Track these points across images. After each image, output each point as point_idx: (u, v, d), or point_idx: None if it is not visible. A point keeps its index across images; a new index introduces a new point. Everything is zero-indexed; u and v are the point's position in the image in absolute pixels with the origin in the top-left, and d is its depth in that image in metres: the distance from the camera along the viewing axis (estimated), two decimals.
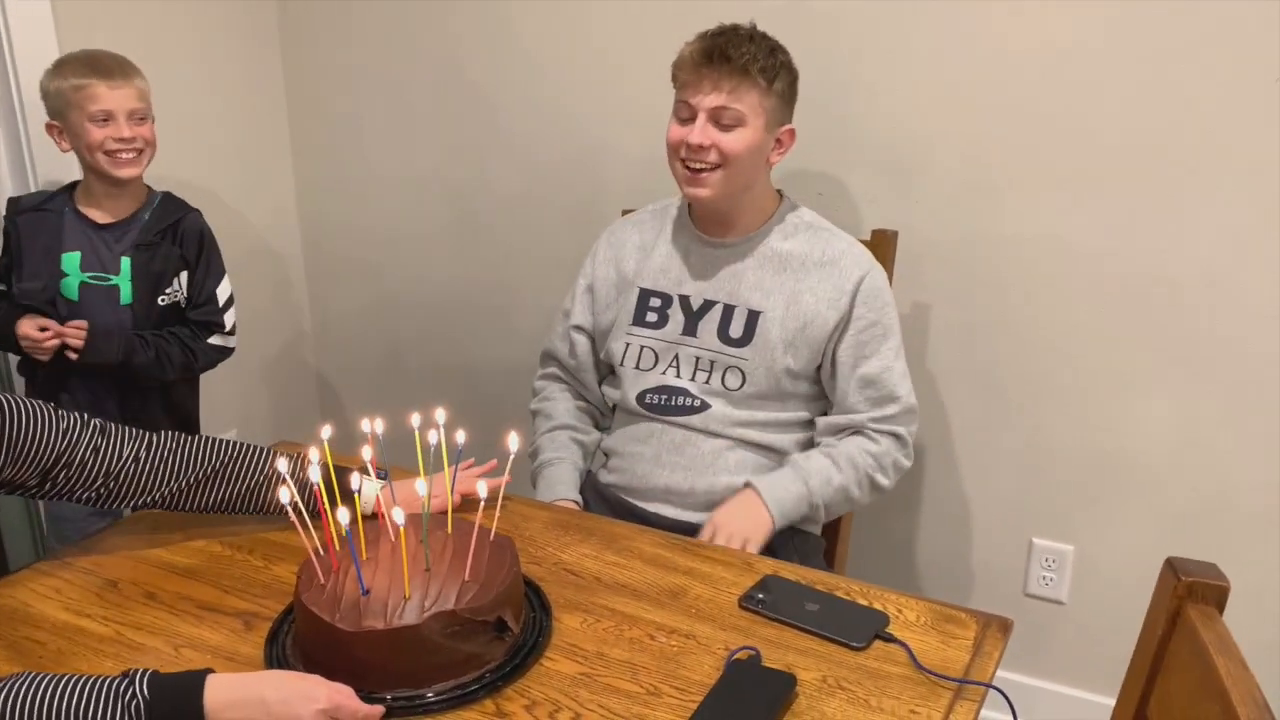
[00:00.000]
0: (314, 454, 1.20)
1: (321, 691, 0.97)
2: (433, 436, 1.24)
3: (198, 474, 1.30)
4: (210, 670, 0.97)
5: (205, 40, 2.31)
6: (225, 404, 2.53)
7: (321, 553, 1.12)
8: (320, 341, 2.74)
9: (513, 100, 2.24)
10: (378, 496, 1.32)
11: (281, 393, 2.68)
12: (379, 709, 1.02)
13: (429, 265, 2.49)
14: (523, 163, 2.28)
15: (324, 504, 1.13)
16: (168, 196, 1.86)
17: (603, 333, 1.72)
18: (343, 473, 1.23)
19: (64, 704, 0.92)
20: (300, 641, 1.13)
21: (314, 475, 1.16)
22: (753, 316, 1.59)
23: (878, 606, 1.21)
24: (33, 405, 1.19)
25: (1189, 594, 0.93)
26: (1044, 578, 2.00)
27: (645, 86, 2.05)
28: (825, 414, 1.64)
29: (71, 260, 1.76)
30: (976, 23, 1.78)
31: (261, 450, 1.36)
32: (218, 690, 0.95)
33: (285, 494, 1.14)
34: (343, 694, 0.99)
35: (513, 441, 1.24)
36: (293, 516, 1.13)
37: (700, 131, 1.51)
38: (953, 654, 1.13)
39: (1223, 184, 1.69)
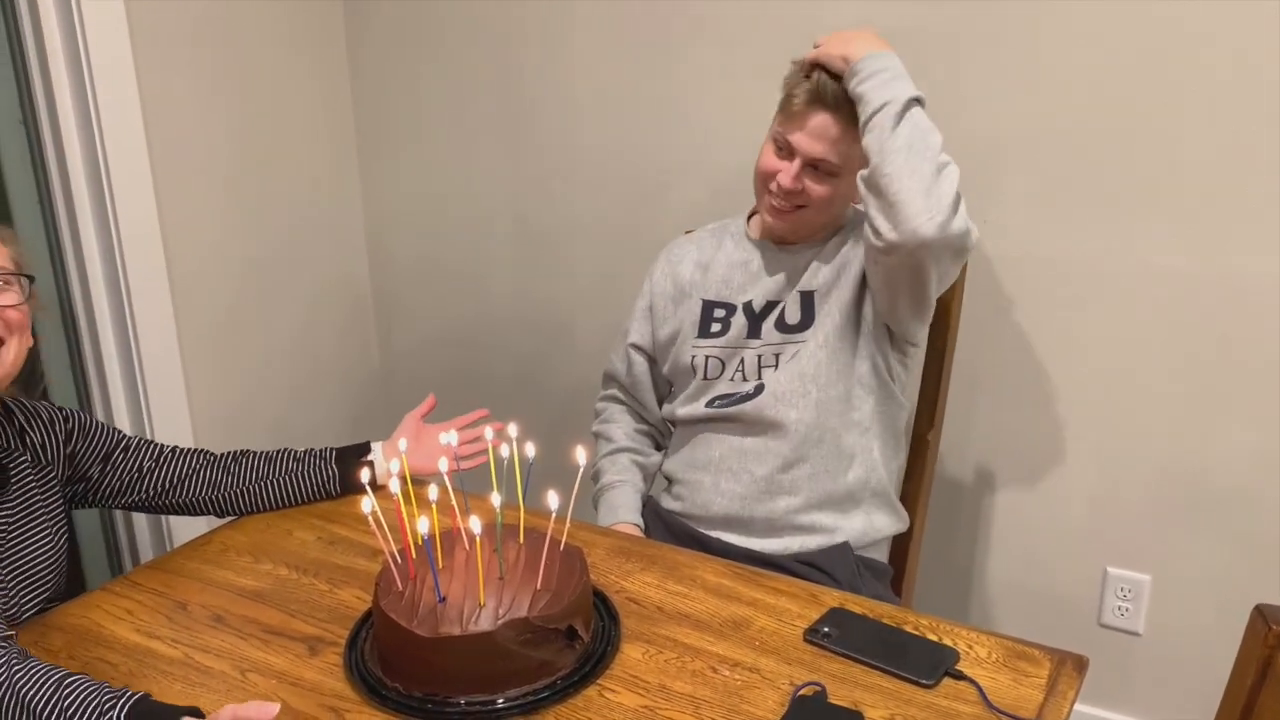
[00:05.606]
0: (394, 465, 1.36)
1: None
2: (504, 450, 1.28)
3: (226, 462, 1.52)
4: (194, 711, 1.01)
5: (280, 77, 2.35)
6: (296, 431, 2.56)
7: (399, 560, 1.15)
8: (388, 366, 2.77)
9: (579, 124, 2.24)
10: (386, 469, 1.51)
11: (350, 418, 2.70)
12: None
13: (495, 287, 2.50)
14: (589, 185, 2.28)
15: (402, 514, 1.19)
16: None
17: (662, 347, 1.71)
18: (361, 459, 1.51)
19: (60, 694, 1.02)
20: (378, 646, 1.16)
21: (393, 487, 1.22)
22: (806, 297, 1.57)
23: (948, 642, 1.18)
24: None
25: None
26: (1119, 608, 1.94)
27: (711, 113, 2.05)
28: (888, 410, 1.59)
29: None
30: (1048, 40, 1.75)
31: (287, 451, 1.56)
32: None
33: (367, 504, 1.19)
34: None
35: (580, 456, 1.27)
36: (372, 525, 1.18)
37: (794, 177, 1.49)
38: (1026, 693, 1.10)
39: None
